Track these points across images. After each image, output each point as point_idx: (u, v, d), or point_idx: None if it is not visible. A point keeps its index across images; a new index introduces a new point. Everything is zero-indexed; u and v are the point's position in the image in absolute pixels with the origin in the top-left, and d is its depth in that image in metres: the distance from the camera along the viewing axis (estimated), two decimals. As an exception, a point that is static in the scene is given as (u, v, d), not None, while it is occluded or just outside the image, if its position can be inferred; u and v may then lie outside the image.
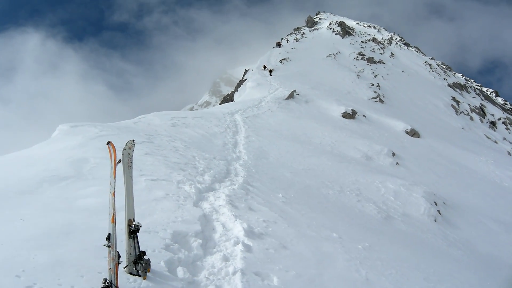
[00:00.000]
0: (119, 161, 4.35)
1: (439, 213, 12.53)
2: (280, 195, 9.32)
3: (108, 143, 4.33)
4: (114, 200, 4.11)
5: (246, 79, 41.77)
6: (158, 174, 8.33)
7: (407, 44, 76.14)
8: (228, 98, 40.59)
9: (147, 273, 4.44)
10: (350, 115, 25.00)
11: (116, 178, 4.18)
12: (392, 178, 13.79)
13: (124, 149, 4.56)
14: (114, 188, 4.14)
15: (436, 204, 12.92)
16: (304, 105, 26.33)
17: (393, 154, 17.75)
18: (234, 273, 5.07)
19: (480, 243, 12.12)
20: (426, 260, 9.08)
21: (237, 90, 39.31)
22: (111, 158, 4.25)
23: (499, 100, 61.12)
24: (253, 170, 11.11)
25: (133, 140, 4.69)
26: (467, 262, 10.19)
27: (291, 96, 27.25)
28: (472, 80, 65.12)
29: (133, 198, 4.52)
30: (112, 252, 3.99)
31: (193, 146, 11.97)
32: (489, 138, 33.92)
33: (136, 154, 8.87)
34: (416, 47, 76.70)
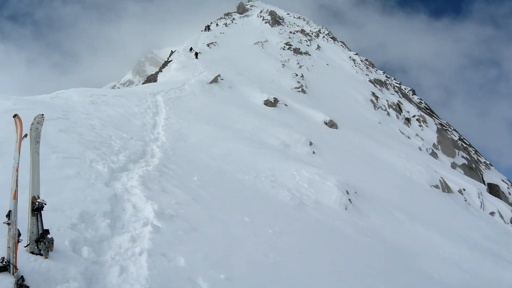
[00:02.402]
0: (25, 135, 4.22)
1: (350, 202, 12.96)
2: (195, 178, 9.35)
3: (15, 116, 4.18)
4: (17, 176, 3.98)
5: (171, 60, 41.21)
6: (71, 152, 8.10)
7: (334, 38, 77.75)
8: (152, 79, 39.90)
9: (50, 252, 4.31)
10: (272, 103, 25.28)
11: (21, 153, 4.07)
12: (308, 166, 14.12)
13: (32, 124, 4.41)
14: (18, 164, 4.02)
15: (348, 193, 13.36)
16: (228, 90, 26.37)
17: (311, 144, 18.17)
18: (140, 253, 5.07)
19: (387, 231, 12.67)
20: (335, 246, 9.43)
21: (161, 71, 38.73)
22: (16, 132, 4.12)
23: (416, 98, 63.67)
24: (170, 152, 11.05)
25: (42, 114, 4.54)
26: (373, 248, 10.65)
27: (215, 80, 27.19)
28: (393, 78, 67.40)
29: (38, 174, 4.38)
30: (11, 230, 3.86)
31: (110, 125, 11.73)
32: (403, 133, 35.36)
33: (50, 130, 8.63)
34: (342, 42, 78.44)
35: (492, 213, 25.25)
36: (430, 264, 11.74)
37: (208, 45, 47.35)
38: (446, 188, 23.94)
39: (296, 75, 40.44)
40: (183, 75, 29.47)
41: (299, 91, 35.35)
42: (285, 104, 26.36)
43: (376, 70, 65.16)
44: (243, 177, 11.28)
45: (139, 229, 5.77)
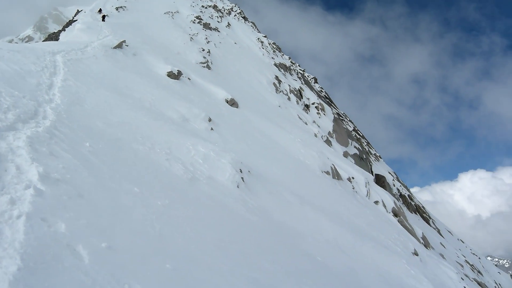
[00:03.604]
0: None
1: (243, 180, 13.12)
2: (88, 144, 9.04)
3: None
4: None
5: (76, 20, 39.46)
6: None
7: (245, 18, 77.81)
8: (53, 37, 37.98)
9: None
10: (175, 76, 24.95)
11: None
12: (205, 142, 14.10)
13: None
14: None
15: (241, 171, 13.50)
16: (131, 57, 25.67)
17: (210, 120, 18.15)
18: (18, 216, 4.81)
19: (276, 212, 12.98)
20: (223, 222, 9.53)
21: (65, 30, 36.94)
22: None
23: (317, 86, 65.43)
24: (64, 115, 10.58)
25: None
26: (261, 227, 10.87)
27: (119, 46, 26.36)
28: (297, 64, 68.68)
29: None
30: None
31: (1, 81, 11.05)
32: (301, 119, 36.23)
33: None
34: (252, 23, 78.71)
35: (376, 202, 26.60)
36: (315, 246, 12.19)
37: (117, 8, 45.82)
38: (336, 175, 24.89)
39: (203, 50, 40.14)
40: (87, 37, 28.26)
41: (204, 67, 35.16)
42: (188, 78, 26.12)
43: (283, 54, 66.08)
44: (137, 147, 11.08)
45: (20, 191, 5.46)
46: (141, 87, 18.75)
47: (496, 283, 40.59)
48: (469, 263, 37.75)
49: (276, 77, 44.32)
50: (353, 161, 36.48)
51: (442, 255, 29.41)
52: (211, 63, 37.14)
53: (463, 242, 54.42)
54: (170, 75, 24.83)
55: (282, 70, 51.95)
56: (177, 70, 25.59)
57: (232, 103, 25.63)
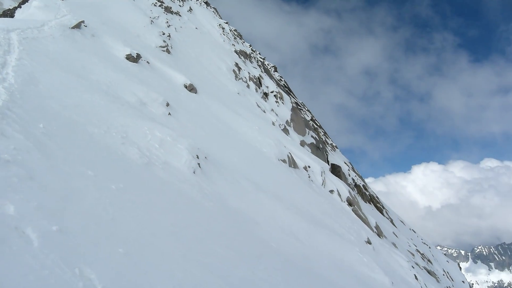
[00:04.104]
0: None
1: (199, 166, 13.08)
2: (42, 125, 8.83)
3: None
4: None
5: (34, -4, 38.33)
6: None
7: (207, 3, 77.09)
8: (8, 14, 36.73)
9: None
10: (134, 58, 24.57)
11: None
12: (162, 127, 13.96)
13: None
14: None
15: (198, 157, 13.44)
16: (90, 38, 25.12)
17: (167, 105, 17.98)
18: (-37, 200, 4.74)
19: (232, 199, 13.03)
20: (178, 207, 9.51)
21: (20, 7, 35.74)
22: None
23: (276, 75, 65.60)
24: (17, 95, 10.31)
25: None
26: (216, 213, 10.91)
27: (78, 26, 25.71)
28: (258, 52, 68.64)
29: None
30: None
31: (-49, 60, 10.68)
32: (259, 106, 36.28)
33: None
34: (214, 8, 78.12)
35: (331, 191, 26.95)
36: (270, 233, 12.31)
37: (75, -13, 44.71)
38: (292, 163, 25.09)
39: (163, 34, 39.61)
40: (44, 15, 27.45)
41: (163, 51, 34.75)
42: (147, 62, 25.79)
43: (243, 42, 65.92)
44: (93, 130, 10.89)
45: (-34, 173, 5.37)
46: (99, 69, 18.39)
47: (444, 271, 41.83)
48: (420, 252, 38.77)
49: (236, 64, 44.23)
50: (309, 150, 36.81)
51: (394, 244, 30.11)
52: (171, 47, 36.72)
53: (414, 232, 55.81)
54: (129, 58, 24.44)
55: (242, 57, 51.85)
56: (136, 53, 25.22)
57: (191, 88, 25.45)
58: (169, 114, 17.47)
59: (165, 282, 5.59)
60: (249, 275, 8.05)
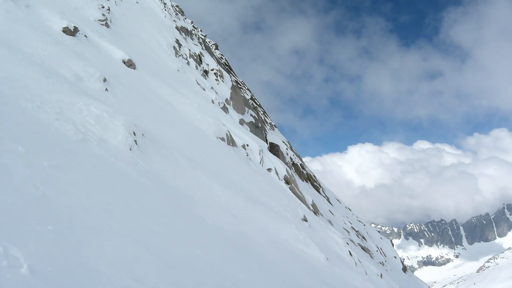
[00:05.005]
0: None
1: (136, 143, 12.90)
2: (-31, 99, 8.51)
3: None
4: None
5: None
6: None
7: (147, -23, 75.32)
8: None
9: None
10: (71, 32, 23.76)
11: None
12: (98, 103, 13.59)
13: None
14: None
15: (135, 134, 13.23)
16: (24, 9, 24.05)
17: (105, 80, 17.54)
18: None
19: (169, 176, 12.99)
20: (114, 185, 9.40)
21: None
22: None
23: (217, 53, 65.24)
24: None
25: None
26: (153, 191, 10.86)
27: (11, -4, 24.65)
28: (200, 29, 67.92)
29: None
30: None
31: None
32: (199, 84, 36.01)
33: None
34: (156, -18, 76.43)
35: (269, 170, 27.25)
36: (207, 210, 12.38)
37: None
38: (231, 141, 25.16)
39: (103, 7, 38.41)
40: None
41: (102, 25, 33.80)
42: (85, 35, 25.03)
43: (185, 18, 64.97)
44: (25, 105, 10.52)
45: None
46: (33, 41, 17.69)
47: (378, 247, 43.36)
48: (354, 229, 39.94)
49: (177, 41, 43.57)
50: (248, 129, 36.97)
51: (330, 222, 30.85)
52: (110, 22, 35.75)
53: (350, 210, 57.35)
54: (66, 31, 23.62)
55: (183, 33, 51.13)
56: (74, 26, 24.39)
57: (130, 64, 24.93)
58: (106, 89, 17.08)
59: (97, 259, 5.54)
60: (185, 252, 8.10)
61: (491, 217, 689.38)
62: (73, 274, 4.89)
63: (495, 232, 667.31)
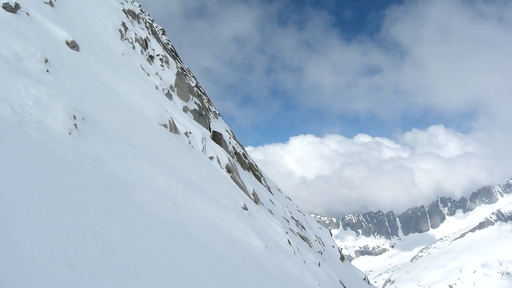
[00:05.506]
0: None
1: (76, 127, 12.67)
2: None
3: None
4: None
5: None
6: None
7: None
8: None
9: None
10: (12, 8, 22.97)
11: None
12: (38, 84, 13.21)
13: None
14: None
15: (75, 118, 12.96)
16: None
17: (46, 61, 17.09)
18: None
19: (109, 162, 12.87)
20: (50, 169, 9.25)
21: None
22: None
23: (164, 38, 64.40)
24: None
25: None
26: (92, 176, 10.77)
27: None
28: (147, 14, 66.88)
29: None
30: None
31: None
32: (144, 69, 35.58)
33: None
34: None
35: (211, 158, 27.34)
36: (146, 197, 12.37)
37: None
38: (174, 128, 25.07)
39: (46, -16, 37.39)
40: None
41: (46, 3, 32.76)
42: (27, 13, 24.23)
43: (133, 1, 63.81)
44: (-41, 83, 10.21)
45: None
46: (-31, 17, 17.08)
47: (316, 237, 44.28)
48: (294, 219, 40.60)
49: (123, 24, 42.76)
50: (192, 116, 36.84)
51: (270, 211, 31.26)
52: (55, 0, 34.81)
53: (290, 200, 58.20)
54: (6, 7, 22.82)
55: (130, 17, 50.21)
56: (15, 3, 23.58)
57: (73, 45, 24.34)
58: (47, 71, 16.67)
59: (28, 244, 5.45)
60: (123, 238, 8.10)
61: (426, 209, 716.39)
62: (0, 259, 4.76)
63: (429, 223, 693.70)
